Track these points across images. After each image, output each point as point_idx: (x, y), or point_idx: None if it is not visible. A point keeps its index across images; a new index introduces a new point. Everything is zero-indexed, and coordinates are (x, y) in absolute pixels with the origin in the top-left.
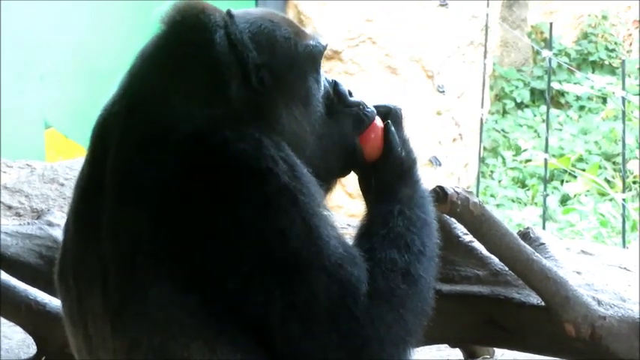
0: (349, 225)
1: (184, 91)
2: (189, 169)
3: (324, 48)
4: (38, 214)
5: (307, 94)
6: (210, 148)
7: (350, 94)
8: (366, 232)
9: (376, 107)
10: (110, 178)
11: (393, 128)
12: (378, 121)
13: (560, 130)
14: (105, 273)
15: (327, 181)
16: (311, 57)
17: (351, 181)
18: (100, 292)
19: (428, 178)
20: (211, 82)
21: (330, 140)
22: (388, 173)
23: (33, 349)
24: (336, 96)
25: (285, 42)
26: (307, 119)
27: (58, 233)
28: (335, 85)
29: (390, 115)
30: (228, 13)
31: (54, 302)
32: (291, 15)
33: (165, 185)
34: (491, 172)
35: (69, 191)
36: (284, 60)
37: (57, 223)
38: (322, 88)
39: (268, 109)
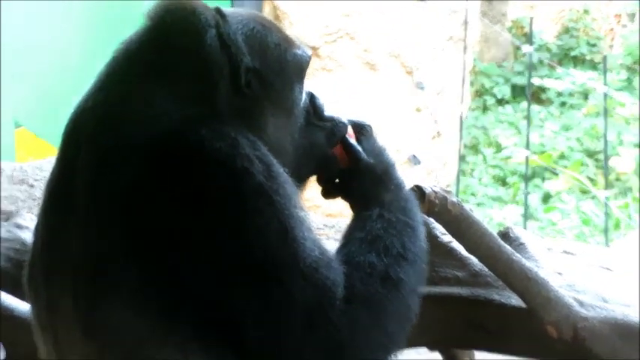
0: (326, 225)
1: (168, 89)
2: (162, 167)
3: (309, 58)
4: (7, 217)
5: (292, 104)
6: (185, 146)
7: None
8: (346, 237)
9: (349, 121)
10: (81, 177)
11: (350, 140)
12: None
13: (542, 126)
14: (75, 277)
15: (300, 183)
16: (299, 66)
17: None
18: (70, 296)
19: (406, 177)
20: (198, 82)
21: (304, 151)
22: (363, 180)
23: (2, 354)
24: (313, 108)
25: (276, 48)
26: (289, 129)
27: (28, 236)
28: (312, 97)
29: (358, 127)
30: (219, 11)
31: (22, 306)
32: (267, 11)
33: (138, 185)
34: (472, 170)
35: (39, 192)
36: (274, 67)
37: (26, 225)
38: (304, 99)
39: (254, 115)
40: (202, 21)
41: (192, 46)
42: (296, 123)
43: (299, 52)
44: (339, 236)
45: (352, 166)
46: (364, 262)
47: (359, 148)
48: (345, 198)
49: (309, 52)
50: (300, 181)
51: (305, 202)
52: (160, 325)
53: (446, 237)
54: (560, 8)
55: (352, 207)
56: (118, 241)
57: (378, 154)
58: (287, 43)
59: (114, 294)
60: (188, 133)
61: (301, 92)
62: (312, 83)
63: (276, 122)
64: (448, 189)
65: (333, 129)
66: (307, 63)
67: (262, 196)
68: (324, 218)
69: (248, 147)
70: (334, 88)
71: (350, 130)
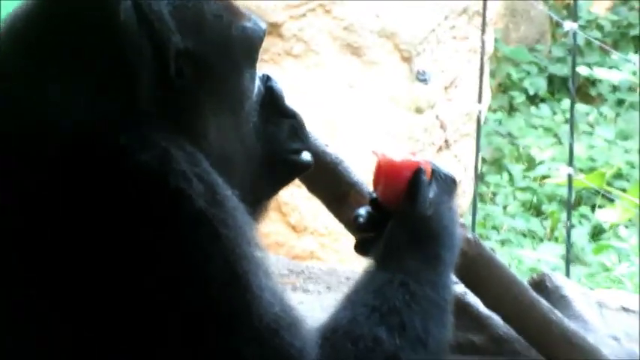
0: (291, 271)
1: (70, 82)
2: (69, 187)
3: (264, 33)
4: None
5: (241, 96)
6: (99, 158)
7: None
8: (352, 297)
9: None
10: None
11: (423, 177)
12: (423, 162)
13: (591, 133)
14: None
15: (256, 207)
16: (248, 44)
17: (294, 211)
18: None
19: None
20: (111, 71)
21: (261, 161)
22: (400, 230)
23: None
24: (270, 99)
25: (217, 21)
26: (238, 131)
27: None
28: (268, 84)
29: (441, 175)
30: None
31: None
32: None
33: (38, 209)
34: (493, 194)
35: None
36: (214, 47)
37: None
38: (257, 87)
39: (189, 114)
40: None
41: (100, 22)
42: (247, 122)
43: (249, 24)
44: (311, 286)
45: (402, 207)
46: (368, 335)
47: (426, 191)
48: (369, 242)
49: (264, 25)
50: (256, 206)
51: (262, 236)
52: None
53: (458, 288)
54: None
55: (372, 250)
56: (19, 279)
57: (444, 213)
58: (231, 13)
59: (18, 335)
60: (100, 141)
61: (253, 80)
62: (269, 72)
63: (220, 123)
64: (461, 222)
65: (296, 127)
66: (260, 39)
67: (203, 229)
68: (289, 261)
69: (184, 161)
70: (302, 81)
71: (427, 167)
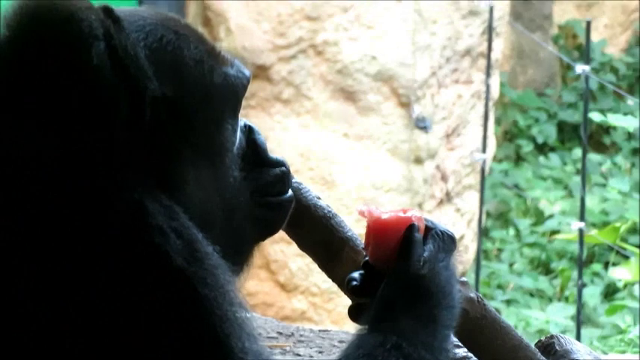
0: (281, 334)
1: (38, 125)
2: (32, 244)
3: (248, 80)
4: None
5: (221, 148)
6: (68, 211)
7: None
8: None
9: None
10: None
11: (416, 234)
12: (415, 218)
13: (604, 185)
14: None
15: (239, 264)
16: (230, 93)
17: (283, 269)
18: None
19: None
20: (82, 120)
21: (243, 215)
22: (393, 290)
23: None
24: (253, 150)
25: (197, 68)
26: (218, 185)
27: None
28: (250, 134)
29: (437, 232)
30: (109, 13)
31: None
32: (192, 12)
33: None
34: (499, 250)
35: None
36: (194, 94)
37: None
38: (238, 139)
39: (166, 166)
40: (85, 29)
41: (72, 66)
42: (227, 176)
43: (231, 71)
44: (302, 350)
45: (395, 267)
46: None
47: (420, 248)
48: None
49: (247, 71)
50: (239, 262)
51: (249, 296)
52: None
53: (459, 351)
54: (629, 8)
55: (363, 315)
56: None
57: (440, 272)
58: (213, 58)
59: None
60: (70, 192)
61: (234, 131)
62: (250, 121)
63: (198, 175)
64: (463, 279)
65: (283, 177)
66: (244, 87)
67: (181, 289)
68: (279, 323)
69: (160, 215)
70: (292, 129)
71: (420, 223)
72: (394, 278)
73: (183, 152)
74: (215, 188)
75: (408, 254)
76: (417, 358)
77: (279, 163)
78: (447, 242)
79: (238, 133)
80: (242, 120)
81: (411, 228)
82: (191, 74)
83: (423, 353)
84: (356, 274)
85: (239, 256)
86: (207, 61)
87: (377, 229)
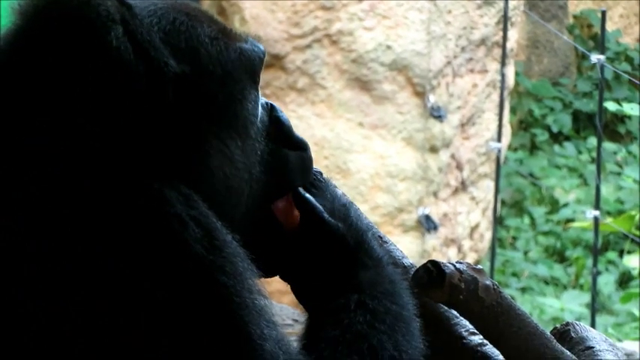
0: (296, 321)
1: (52, 117)
2: (50, 236)
3: (264, 54)
4: None
5: (246, 120)
6: (82, 203)
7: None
8: (310, 336)
9: None
10: None
11: (307, 194)
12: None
13: (619, 174)
14: None
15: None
16: (248, 66)
17: None
18: None
19: (416, 248)
20: (102, 104)
21: (266, 197)
22: (327, 253)
23: None
24: (276, 128)
25: (212, 45)
26: (245, 160)
27: None
28: (273, 111)
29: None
30: (121, 1)
31: None
32: (208, 1)
33: (15, 260)
34: (514, 238)
35: None
36: (213, 71)
37: None
38: (260, 114)
39: (189, 145)
40: (102, 13)
41: (90, 52)
42: (255, 150)
43: (246, 46)
44: None
45: (308, 231)
46: None
47: (317, 204)
48: (295, 279)
49: (261, 46)
50: (258, 245)
51: (265, 283)
52: None
53: (475, 338)
54: None
55: (308, 293)
56: None
57: (344, 213)
58: (227, 35)
59: None
60: (87, 182)
61: (256, 104)
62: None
63: (225, 151)
64: (479, 267)
65: (305, 161)
66: (260, 60)
67: (200, 277)
68: (294, 310)
69: (179, 203)
70: (307, 118)
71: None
72: (317, 244)
73: (208, 129)
74: (243, 162)
75: (312, 217)
76: (383, 312)
77: (303, 145)
78: (321, 177)
79: (260, 109)
80: (263, 98)
81: (295, 191)
82: (207, 52)
83: (388, 304)
84: None
85: (259, 244)
86: (221, 39)
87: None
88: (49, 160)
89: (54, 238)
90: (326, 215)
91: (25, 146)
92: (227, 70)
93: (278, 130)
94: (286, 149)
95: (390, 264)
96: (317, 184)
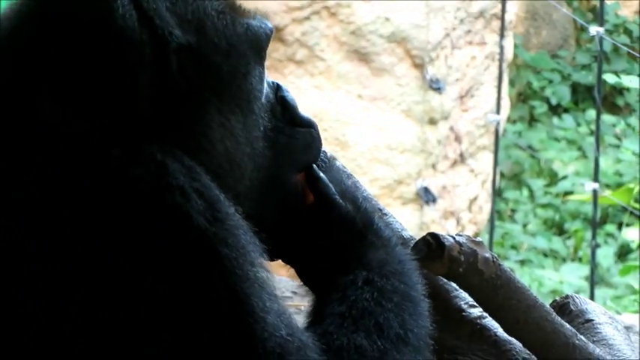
0: (296, 293)
1: (58, 88)
2: (54, 208)
3: (271, 31)
4: None
5: (249, 95)
6: (88, 175)
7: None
8: (317, 312)
9: None
10: None
11: (321, 174)
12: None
13: (618, 146)
14: None
15: (264, 228)
16: (254, 42)
17: None
18: None
19: (414, 221)
20: (106, 74)
21: (270, 173)
22: (337, 232)
23: None
24: (282, 106)
25: (219, 18)
26: (248, 132)
27: None
28: (279, 91)
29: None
30: None
31: None
32: None
33: (22, 234)
34: (513, 211)
35: None
36: (218, 44)
37: None
38: (265, 91)
39: (191, 117)
40: None
41: (96, 20)
42: (257, 125)
43: (253, 22)
44: None
45: (319, 211)
46: (349, 346)
47: (330, 185)
48: (301, 260)
49: (269, 23)
50: (262, 222)
51: (267, 257)
52: None
53: (474, 310)
54: None
55: (315, 274)
56: None
57: (353, 194)
58: (234, 10)
59: None
60: (92, 153)
61: (261, 80)
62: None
63: (227, 124)
64: (478, 239)
65: (313, 139)
66: (267, 37)
67: (203, 249)
68: (293, 283)
69: (182, 175)
70: (305, 90)
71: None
72: (328, 223)
73: (210, 101)
74: (244, 137)
75: (324, 197)
76: (391, 290)
77: (309, 123)
78: (327, 157)
79: (266, 86)
80: (269, 78)
81: (309, 169)
82: (214, 25)
83: (396, 283)
84: None
85: (261, 220)
86: (229, 13)
87: None
88: (59, 125)
89: (54, 237)
90: (337, 197)
91: (36, 113)
92: (232, 44)
93: (284, 108)
94: (293, 127)
95: (399, 244)
96: (321, 163)
